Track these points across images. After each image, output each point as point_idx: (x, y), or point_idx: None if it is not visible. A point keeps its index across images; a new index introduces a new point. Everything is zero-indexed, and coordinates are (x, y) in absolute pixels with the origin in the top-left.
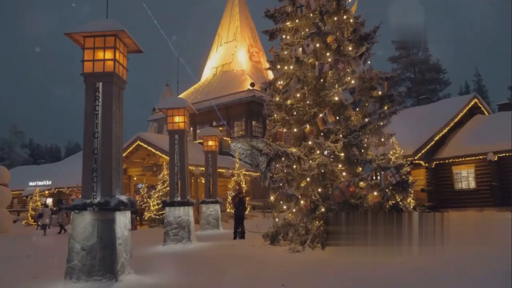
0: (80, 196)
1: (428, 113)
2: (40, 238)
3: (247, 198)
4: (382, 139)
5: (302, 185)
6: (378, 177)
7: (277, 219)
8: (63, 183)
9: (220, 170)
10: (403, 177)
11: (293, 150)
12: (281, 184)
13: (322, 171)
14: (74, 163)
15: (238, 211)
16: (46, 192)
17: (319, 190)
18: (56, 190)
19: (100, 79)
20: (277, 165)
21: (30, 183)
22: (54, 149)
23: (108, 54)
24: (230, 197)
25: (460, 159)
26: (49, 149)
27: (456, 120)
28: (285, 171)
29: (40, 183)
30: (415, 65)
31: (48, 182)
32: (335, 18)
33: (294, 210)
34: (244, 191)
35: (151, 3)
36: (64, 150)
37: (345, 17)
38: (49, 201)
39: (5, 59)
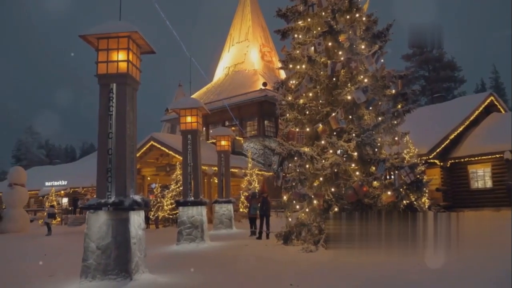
0: (95, 196)
1: (443, 111)
2: (55, 237)
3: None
4: (396, 138)
5: (315, 184)
6: (392, 177)
7: (290, 219)
8: (78, 183)
9: (233, 169)
10: (418, 176)
11: (306, 149)
12: (294, 184)
13: (335, 170)
14: (89, 163)
15: (262, 211)
16: (62, 192)
17: (332, 189)
18: (72, 190)
19: (114, 80)
20: (290, 165)
21: (46, 183)
22: (69, 150)
23: (122, 55)
24: (243, 197)
25: (476, 158)
26: (64, 150)
27: (471, 118)
28: (298, 170)
29: (56, 183)
30: (429, 62)
31: (64, 182)
32: (347, 16)
33: (307, 210)
34: (265, 190)
35: (161, 3)
36: (79, 151)
37: (357, 15)
38: (65, 201)
39: (24, 60)
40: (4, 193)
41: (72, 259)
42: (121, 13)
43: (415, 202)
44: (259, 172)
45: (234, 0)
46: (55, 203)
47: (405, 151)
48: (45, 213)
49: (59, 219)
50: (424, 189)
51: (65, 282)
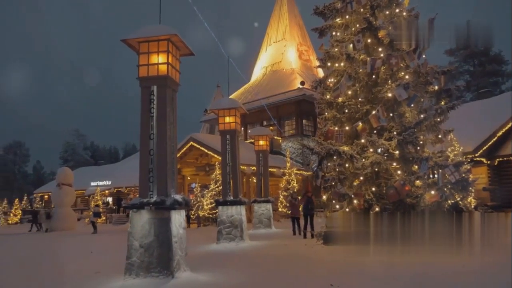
0: (137, 195)
1: (489, 107)
2: (100, 235)
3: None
4: (439, 136)
5: (355, 184)
6: (436, 176)
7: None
8: (121, 183)
9: (271, 169)
10: (463, 175)
11: (345, 148)
12: (333, 183)
13: (376, 169)
14: (132, 163)
15: (306, 210)
16: (106, 191)
17: (373, 189)
18: (116, 189)
19: (155, 82)
20: (329, 164)
21: (92, 183)
22: (113, 151)
23: (162, 58)
24: (281, 196)
25: None
26: (108, 151)
27: None
28: (337, 170)
29: (100, 183)
30: (475, 57)
31: (108, 182)
32: (387, 12)
33: (347, 210)
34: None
35: (198, 4)
36: (122, 152)
37: (397, 10)
38: (109, 199)
39: (72, 64)
40: (53, 193)
41: (117, 256)
42: (160, 16)
43: (460, 202)
44: (298, 172)
45: (271, 0)
46: (100, 202)
47: (449, 149)
48: (91, 212)
49: (104, 218)
50: (470, 188)
51: (111, 278)
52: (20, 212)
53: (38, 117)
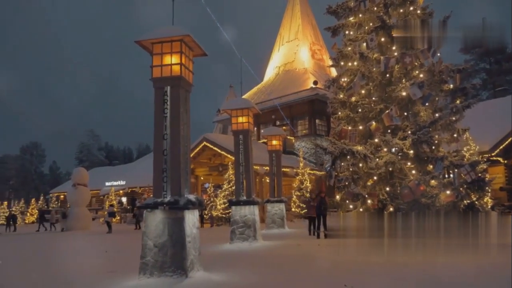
0: (151, 195)
1: (506, 105)
2: (115, 235)
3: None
4: (455, 135)
5: (369, 184)
6: (451, 175)
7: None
8: (135, 183)
9: (284, 169)
10: (479, 174)
11: (359, 148)
12: (346, 183)
13: (390, 169)
14: (145, 164)
15: (319, 211)
16: (121, 191)
17: (387, 189)
18: (130, 189)
19: (168, 83)
20: (342, 164)
21: (107, 183)
22: (127, 151)
23: (175, 59)
24: (295, 197)
25: None
26: (122, 151)
27: None
28: (350, 169)
29: (115, 183)
30: (491, 55)
31: (122, 182)
32: (401, 10)
33: (361, 210)
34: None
35: (210, 4)
36: (135, 152)
37: (411, 8)
38: (124, 199)
39: (86, 66)
40: (69, 193)
41: (131, 256)
42: (173, 17)
43: (476, 202)
44: (311, 172)
45: (284, 0)
46: (115, 202)
47: (465, 149)
48: (106, 212)
49: (118, 218)
50: (487, 188)
51: (125, 277)
52: (37, 211)
53: (54, 119)
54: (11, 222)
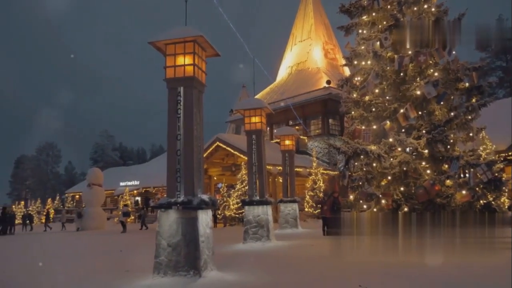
0: (165, 195)
1: None
2: (129, 234)
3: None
4: (471, 134)
5: (383, 183)
6: (467, 175)
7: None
8: (149, 183)
9: (297, 169)
10: (496, 174)
11: (373, 147)
12: (360, 183)
13: (404, 169)
14: (159, 164)
15: (332, 211)
16: (135, 191)
17: (401, 189)
18: (144, 189)
19: (181, 83)
20: (356, 164)
21: (121, 183)
22: (141, 152)
23: (188, 59)
24: (308, 196)
25: None
26: (136, 151)
27: None
28: (364, 169)
29: (129, 183)
30: (507, 52)
31: (136, 182)
32: (415, 8)
33: (374, 210)
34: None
35: (223, 4)
36: (149, 153)
37: (425, 6)
38: (138, 199)
39: (103, 69)
40: (84, 193)
41: (145, 255)
42: (186, 17)
43: (493, 202)
44: (324, 172)
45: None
46: (129, 202)
47: (481, 148)
48: (120, 212)
49: (133, 218)
50: (504, 188)
51: (140, 277)
52: (53, 211)
53: (70, 120)
54: (27, 221)
